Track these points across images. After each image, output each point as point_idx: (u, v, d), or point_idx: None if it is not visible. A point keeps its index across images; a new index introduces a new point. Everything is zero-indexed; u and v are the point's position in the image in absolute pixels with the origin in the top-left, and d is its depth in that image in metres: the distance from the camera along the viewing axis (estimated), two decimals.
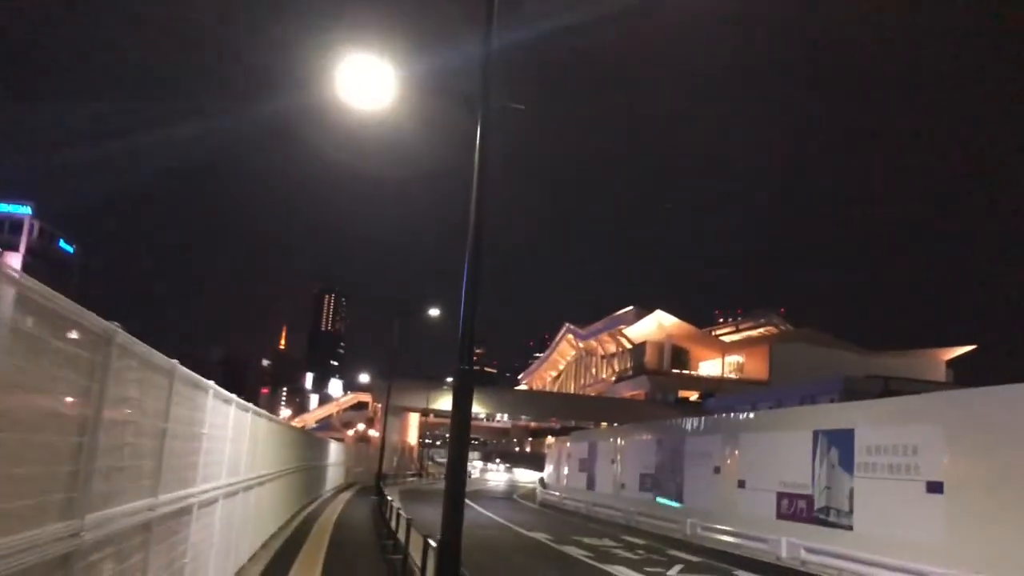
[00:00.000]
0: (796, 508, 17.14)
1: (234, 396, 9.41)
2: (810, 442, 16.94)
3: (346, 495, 37.88)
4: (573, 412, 77.40)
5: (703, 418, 24.13)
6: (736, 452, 20.30)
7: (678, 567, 17.71)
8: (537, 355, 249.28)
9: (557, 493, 37.91)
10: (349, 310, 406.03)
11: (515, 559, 19.29)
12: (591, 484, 32.14)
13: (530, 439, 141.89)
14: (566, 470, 36.85)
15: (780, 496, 17.80)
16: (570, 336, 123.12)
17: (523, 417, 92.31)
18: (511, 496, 50.54)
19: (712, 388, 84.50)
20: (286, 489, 21.33)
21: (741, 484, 19.66)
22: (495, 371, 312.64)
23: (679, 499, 23.28)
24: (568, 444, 36.95)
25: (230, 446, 9.32)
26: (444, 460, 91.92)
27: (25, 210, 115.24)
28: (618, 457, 28.98)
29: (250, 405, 11.24)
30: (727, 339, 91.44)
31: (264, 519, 15.75)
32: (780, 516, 17.72)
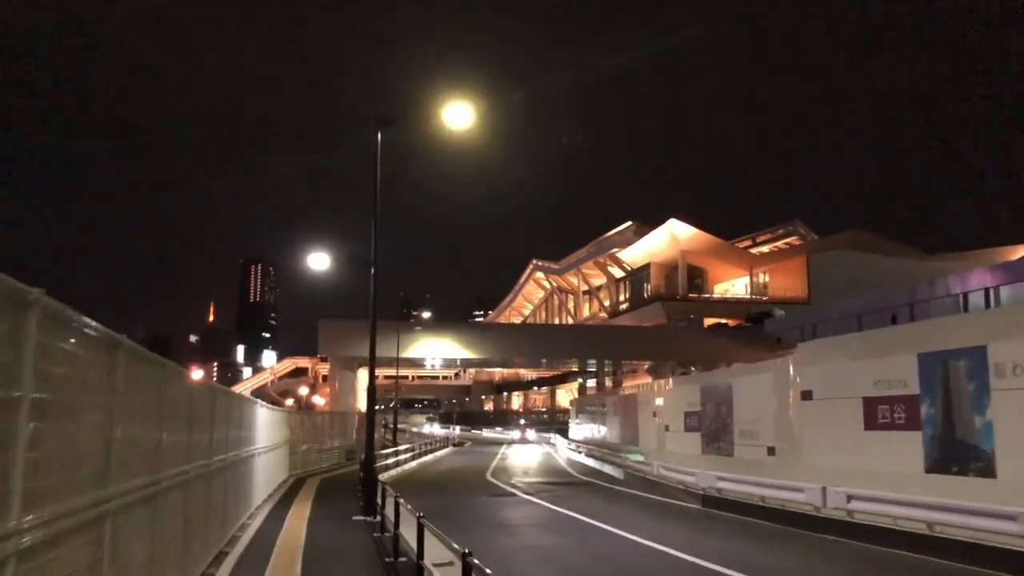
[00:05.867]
0: None
1: None
2: None
3: (299, 516, 16.55)
4: (585, 348, 56.75)
5: None
6: None
7: None
8: (477, 315, 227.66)
9: (717, 475, 17.27)
10: (278, 279, 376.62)
11: None
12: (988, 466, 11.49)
13: (503, 395, 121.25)
14: (805, 426, 16.07)
15: None
16: (539, 274, 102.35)
17: (516, 360, 70.81)
18: (572, 476, 29.59)
19: (741, 312, 65.37)
20: None
21: None
22: None
23: None
24: (828, 364, 15.62)
25: None
26: (403, 427, 68.34)
27: None
28: None
29: None
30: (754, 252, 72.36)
31: None
32: None
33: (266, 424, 19.37)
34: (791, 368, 16.19)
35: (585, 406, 42.29)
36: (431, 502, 19.05)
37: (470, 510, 18.76)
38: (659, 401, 24.62)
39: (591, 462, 33.62)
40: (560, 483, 26.20)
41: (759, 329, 54.76)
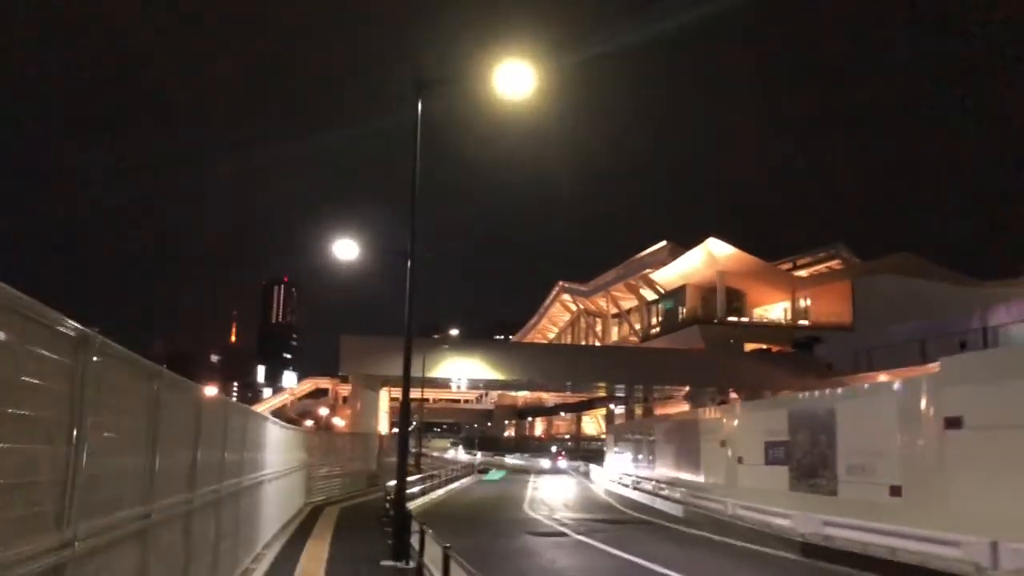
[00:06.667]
0: None
1: None
2: None
3: (315, 558, 13.50)
4: (620, 371, 53.45)
5: None
6: None
7: None
8: (498, 339, 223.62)
9: None
10: (300, 300, 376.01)
11: None
12: None
13: (526, 420, 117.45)
14: None
15: None
16: (565, 296, 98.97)
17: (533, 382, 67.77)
18: (621, 511, 26.07)
19: (783, 337, 61.74)
20: None
21: None
22: None
23: None
24: None
25: None
26: (424, 451, 65.00)
27: None
28: None
29: None
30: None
31: None
32: None
33: (279, 445, 16.42)
34: (925, 389, 12.97)
35: (626, 433, 38.91)
36: (470, 542, 15.87)
37: (519, 555, 15.58)
38: (729, 429, 21.32)
39: (638, 496, 30.29)
40: (611, 520, 22.89)
41: (807, 355, 51.24)
